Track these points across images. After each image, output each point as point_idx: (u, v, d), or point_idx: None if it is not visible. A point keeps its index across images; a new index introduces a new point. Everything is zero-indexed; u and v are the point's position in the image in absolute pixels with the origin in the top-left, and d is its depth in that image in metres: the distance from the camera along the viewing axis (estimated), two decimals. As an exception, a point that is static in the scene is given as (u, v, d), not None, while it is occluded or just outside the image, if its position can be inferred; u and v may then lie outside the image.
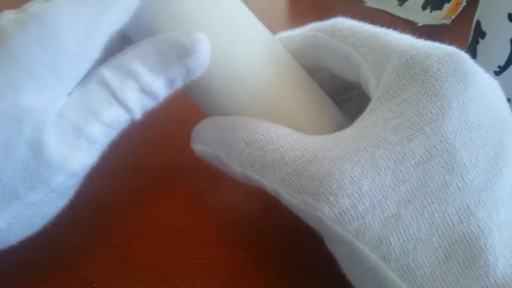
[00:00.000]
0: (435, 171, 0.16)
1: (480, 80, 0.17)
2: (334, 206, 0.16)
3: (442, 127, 0.16)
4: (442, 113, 0.16)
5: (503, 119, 0.17)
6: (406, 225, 0.16)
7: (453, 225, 0.15)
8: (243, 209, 0.25)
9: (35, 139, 0.17)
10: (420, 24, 0.42)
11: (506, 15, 0.25)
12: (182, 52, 0.19)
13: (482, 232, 0.15)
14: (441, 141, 0.16)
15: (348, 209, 0.16)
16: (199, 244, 0.23)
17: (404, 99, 0.17)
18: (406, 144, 0.16)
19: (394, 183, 0.16)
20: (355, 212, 0.16)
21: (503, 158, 0.16)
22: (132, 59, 0.19)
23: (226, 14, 0.20)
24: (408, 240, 0.15)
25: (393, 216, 0.16)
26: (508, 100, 0.27)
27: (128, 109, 0.19)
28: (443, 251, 0.15)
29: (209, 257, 0.22)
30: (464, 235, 0.15)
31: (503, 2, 0.25)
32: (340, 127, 0.21)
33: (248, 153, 0.19)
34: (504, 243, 0.15)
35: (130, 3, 0.18)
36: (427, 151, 0.16)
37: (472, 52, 0.29)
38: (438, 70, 0.17)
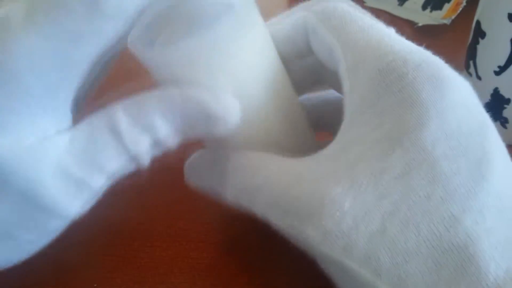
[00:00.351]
0: (416, 183, 0.16)
1: (456, 86, 0.17)
2: (318, 227, 0.16)
3: (420, 138, 0.16)
4: (420, 123, 0.16)
5: (482, 123, 0.17)
6: (392, 238, 0.16)
7: (441, 234, 0.15)
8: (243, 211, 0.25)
9: (28, 186, 0.16)
10: (420, 24, 0.42)
11: (506, 15, 0.25)
12: (210, 120, 0.18)
13: (470, 239, 0.15)
14: (420, 152, 0.16)
15: (332, 229, 0.16)
16: (199, 244, 0.23)
17: (381, 110, 0.17)
18: (385, 158, 0.16)
19: (375, 199, 0.16)
20: (339, 231, 0.16)
21: (485, 164, 0.16)
22: (155, 113, 0.17)
23: (252, 66, 0.19)
24: (396, 253, 0.15)
25: (378, 231, 0.16)
26: (508, 100, 0.27)
27: (137, 161, 0.18)
28: (433, 261, 0.15)
29: (209, 257, 0.22)
30: (452, 244, 0.15)
31: (503, 2, 0.25)
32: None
33: (236, 181, 0.19)
34: (493, 247, 0.15)
35: (109, 27, 0.17)
36: (407, 163, 0.16)
37: (472, 52, 0.29)
38: (414, 78, 0.17)
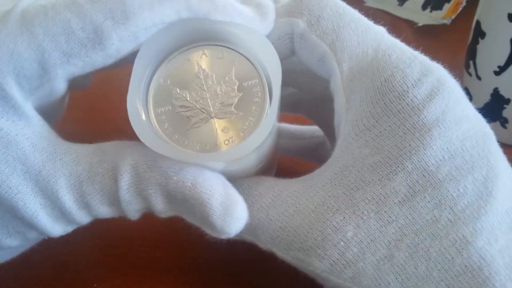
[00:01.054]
0: (422, 207, 0.15)
1: (457, 97, 0.16)
2: (324, 258, 0.16)
3: (423, 160, 0.16)
4: (423, 144, 0.16)
5: (483, 132, 0.16)
6: (401, 265, 0.15)
7: (452, 257, 0.15)
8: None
9: (8, 199, 0.16)
10: (420, 24, 0.42)
11: (506, 15, 0.25)
12: (207, 225, 0.17)
13: (484, 260, 0.15)
14: (423, 175, 0.16)
15: (337, 259, 0.16)
16: (199, 244, 0.23)
17: (380, 132, 0.16)
18: (387, 183, 0.16)
19: (380, 225, 0.16)
20: (345, 260, 0.16)
21: (492, 180, 0.16)
22: (157, 192, 0.16)
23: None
24: (407, 278, 0.15)
25: (386, 257, 0.16)
26: (508, 100, 0.27)
27: (125, 215, 0.18)
28: (446, 285, 0.15)
29: (209, 257, 0.22)
30: (466, 266, 0.15)
31: (503, 2, 0.25)
32: None
33: None
34: (508, 268, 0.15)
35: (100, 60, 0.16)
36: (410, 187, 0.16)
37: (472, 52, 0.29)
38: (415, 97, 0.16)
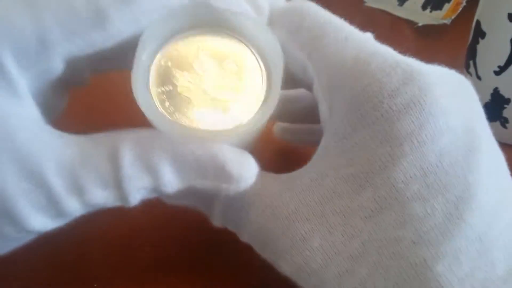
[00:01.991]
0: (386, 224, 0.15)
1: (441, 108, 0.15)
2: (291, 264, 0.16)
3: (392, 176, 0.15)
4: (393, 159, 0.15)
5: (469, 147, 0.15)
6: (361, 280, 0.15)
7: (410, 280, 0.15)
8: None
9: None
10: (420, 24, 0.42)
11: (506, 15, 0.25)
12: (222, 178, 0.16)
13: (442, 287, 0.14)
14: (391, 192, 0.15)
15: (303, 266, 0.16)
16: (199, 244, 0.23)
17: (356, 142, 0.16)
18: (356, 197, 0.16)
19: (344, 239, 0.16)
20: (310, 269, 0.16)
21: (466, 201, 0.15)
22: (164, 158, 0.15)
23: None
24: None
25: (347, 271, 0.15)
26: (508, 100, 0.27)
27: (124, 201, 0.16)
28: None
29: (209, 257, 0.22)
30: None
31: (503, 2, 0.25)
32: None
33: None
34: None
35: (100, 40, 0.16)
36: (377, 203, 0.15)
37: (472, 52, 0.29)
38: (390, 108, 0.15)
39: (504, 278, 0.15)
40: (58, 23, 0.15)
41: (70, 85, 0.18)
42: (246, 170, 0.16)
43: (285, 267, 0.17)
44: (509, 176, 0.17)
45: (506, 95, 0.27)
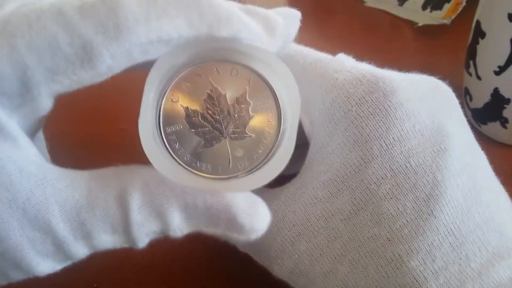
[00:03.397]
0: (363, 224, 0.16)
1: (406, 111, 0.16)
2: (282, 267, 0.18)
3: (365, 178, 0.16)
4: (365, 162, 0.16)
5: (438, 148, 0.16)
6: (343, 278, 0.16)
7: (388, 276, 0.15)
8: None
9: None
10: (420, 24, 0.42)
11: (506, 15, 0.25)
12: (233, 228, 0.16)
13: (417, 281, 0.15)
14: (366, 193, 0.16)
15: (293, 269, 0.17)
16: (199, 244, 0.23)
17: (332, 149, 0.17)
18: (334, 200, 0.16)
19: (327, 241, 0.17)
20: (299, 270, 0.17)
21: (435, 198, 0.15)
22: (174, 205, 0.15)
23: None
24: None
25: (331, 271, 0.16)
26: (508, 100, 0.27)
27: (132, 244, 0.16)
28: None
29: (209, 257, 0.22)
30: (399, 286, 0.15)
31: (503, 2, 0.25)
32: None
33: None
34: None
35: (88, 78, 0.15)
36: (354, 205, 0.16)
37: (472, 52, 0.29)
38: (358, 114, 0.16)
39: (478, 270, 0.15)
40: (40, 62, 0.14)
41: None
42: (258, 222, 0.16)
43: (278, 271, 0.18)
44: (488, 175, 0.18)
45: (506, 95, 0.27)
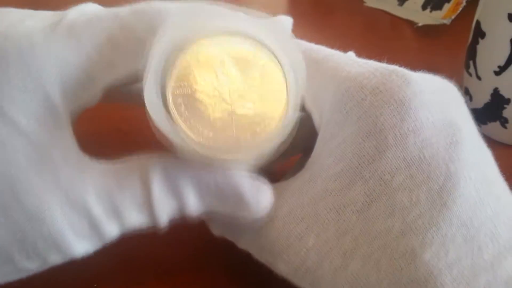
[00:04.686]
0: (376, 216, 0.15)
1: (421, 102, 0.16)
2: (288, 264, 0.17)
3: (379, 168, 0.16)
4: (379, 152, 0.16)
5: (450, 141, 0.16)
6: (355, 274, 0.16)
7: (401, 269, 0.15)
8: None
9: (36, 210, 0.15)
10: (420, 24, 0.42)
11: (506, 15, 0.25)
12: (240, 207, 0.17)
13: (431, 274, 0.15)
14: (380, 184, 0.15)
15: (299, 266, 0.17)
16: (199, 244, 0.23)
17: (343, 139, 0.16)
18: (347, 192, 0.16)
19: (338, 234, 0.16)
20: (306, 267, 0.16)
21: (448, 190, 0.15)
22: (189, 185, 0.16)
23: None
24: None
25: (341, 266, 0.16)
26: (508, 100, 0.27)
27: (155, 221, 0.17)
28: None
29: (209, 257, 0.22)
30: (412, 280, 0.15)
31: (503, 2, 0.25)
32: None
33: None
34: (456, 281, 0.15)
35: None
36: (367, 196, 0.16)
37: (472, 52, 0.29)
38: (372, 104, 0.16)
39: (491, 262, 0.15)
40: (103, 56, 0.16)
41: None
42: (263, 201, 0.17)
43: (282, 268, 0.17)
44: (496, 170, 0.18)
45: (506, 95, 0.27)
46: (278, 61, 0.16)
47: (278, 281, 0.21)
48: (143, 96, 0.15)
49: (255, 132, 0.16)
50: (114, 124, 0.28)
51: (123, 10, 0.17)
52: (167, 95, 0.15)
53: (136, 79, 0.17)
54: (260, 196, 0.17)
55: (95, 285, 0.21)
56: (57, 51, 0.16)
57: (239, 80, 0.16)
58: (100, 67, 0.16)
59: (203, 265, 0.22)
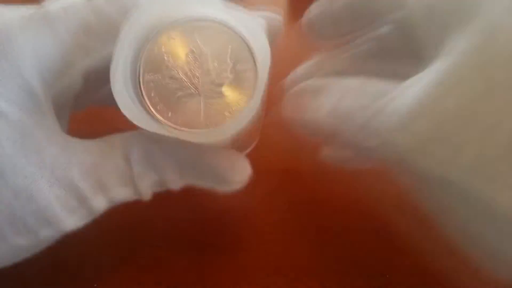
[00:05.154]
0: None
1: None
2: (418, 131, 0.14)
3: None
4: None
5: None
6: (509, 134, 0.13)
7: None
8: (243, 210, 0.25)
9: (23, 188, 0.16)
10: (420, 24, 0.42)
11: (506, 15, 0.25)
12: (217, 181, 0.18)
13: None
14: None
15: (433, 131, 0.14)
16: (199, 244, 0.23)
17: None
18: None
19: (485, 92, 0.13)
20: (442, 133, 0.13)
21: None
22: (167, 161, 0.18)
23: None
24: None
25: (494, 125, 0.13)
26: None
27: (139, 194, 0.18)
28: None
29: (209, 257, 0.22)
30: None
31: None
32: None
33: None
34: None
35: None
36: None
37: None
38: None
39: None
40: (77, 41, 0.17)
41: (85, 103, 0.20)
42: (238, 175, 0.18)
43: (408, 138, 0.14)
44: None
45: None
46: (247, 46, 0.16)
47: (280, 280, 0.21)
48: (111, 82, 0.16)
49: (224, 116, 0.16)
50: (114, 125, 0.28)
51: None
52: (138, 81, 0.16)
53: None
54: (236, 171, 0.18)
55: (95, 285, 0.21)
56: (33, 39, 0.16)
57: (209, 65, 0.16)
58: (75, 52, 0.17)
59: (203, 265, 0.22)
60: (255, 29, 0.17)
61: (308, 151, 0.22)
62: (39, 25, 0.17)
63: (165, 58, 0.16)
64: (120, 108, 0.16)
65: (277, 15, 0.20)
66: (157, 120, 0.16)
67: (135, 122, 0.16)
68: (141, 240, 0.23)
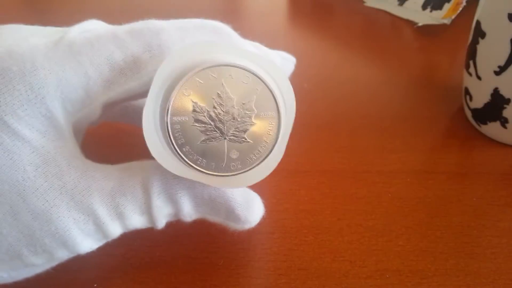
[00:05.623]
0: None
1: None
2: None
3: None
4: None
5: None
6: None
7: None
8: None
9: (43, 211, 0.16)
10: (420, 24, 0.42)
11: (506, 15, 0.25)
12: (231, 218, 0.19)
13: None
14: None
15: None
16: (199, 244, 0.23)
17: None
18: None
19: None
20: None
21: None
22: (185, 195, 0.18)
23: None
24: None
25: None
26: (508, 100, 0.27)
27: (154, 224, 0.18)
28: None
29: (209, 257, 0.22)
30: None
31: (503, 2, 0.25)
32: None
33: None
34: None
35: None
36: None
37: (472, 52, 0.29)
38: None
39: None
40: (100, 74, 0.17)
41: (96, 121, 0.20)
42: (252, 215, 0.19)
43: None
44: None
45: (506, 95, 0.27)
46: (270, 91, 0.17)
47: (281, 281, 0.21)
48: (142, 122, 0.16)
49: (247, 161, 0.17)
50: (116, 124, 0.28)
51: (121, 30, 0.18)
52: (166, 122, 0.16)
53: (133, 95, 0.18)
54: (250, 211, 0.19)
55: (95, 285, 0.21)
56: (58, 70, 0.17)
57: (234, 111, 0.17)
58: (97, 85, 0.17)
59: (204, 265, 0.22)
60: (281, 77, 0.17)
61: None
62: (64, 57, 0.17)
63: (192, 102, 0.16)
64: (150, 150, 0.17)
65: (293, 57, 0.22)
66: (183, 162, 0.16)
67: (163, 165, 0.17)
68: (141, 241, 0.23)
